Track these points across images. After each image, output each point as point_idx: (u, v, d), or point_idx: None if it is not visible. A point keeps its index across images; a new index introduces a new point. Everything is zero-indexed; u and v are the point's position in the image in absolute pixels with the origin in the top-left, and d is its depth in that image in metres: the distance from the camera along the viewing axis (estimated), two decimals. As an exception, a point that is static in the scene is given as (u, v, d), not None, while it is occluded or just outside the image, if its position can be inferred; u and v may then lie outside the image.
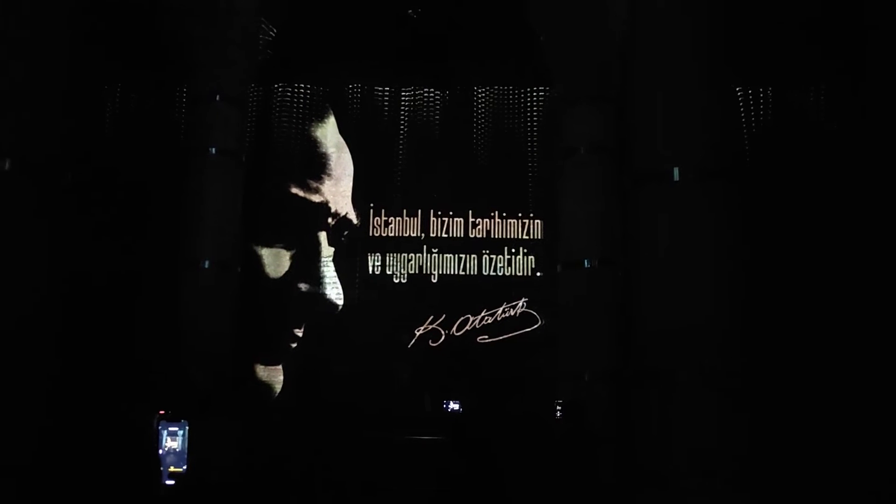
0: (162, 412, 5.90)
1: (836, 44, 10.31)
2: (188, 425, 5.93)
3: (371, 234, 12.75)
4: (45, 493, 5.53)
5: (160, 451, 5.77)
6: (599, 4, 10.02)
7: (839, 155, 10.52)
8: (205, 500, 6.01)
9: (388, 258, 12.71)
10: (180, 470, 5.84)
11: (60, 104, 6.42)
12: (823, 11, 10.10)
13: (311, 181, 12.69)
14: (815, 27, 10.26)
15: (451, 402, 11.36)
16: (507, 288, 12.63)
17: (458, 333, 12.43)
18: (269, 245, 12.57)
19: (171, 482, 5.81)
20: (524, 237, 12.82)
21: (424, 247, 12.75)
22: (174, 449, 5.84)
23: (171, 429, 5.90)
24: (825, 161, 10.68)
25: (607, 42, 10.07)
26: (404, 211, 12.82)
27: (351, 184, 12.75)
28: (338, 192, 12.73)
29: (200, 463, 6.08)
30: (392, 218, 12.82)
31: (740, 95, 11.60)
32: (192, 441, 6.01)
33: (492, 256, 12.76)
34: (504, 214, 12.85)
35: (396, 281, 12.66)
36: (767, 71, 11.24)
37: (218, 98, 10.38)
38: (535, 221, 12.82)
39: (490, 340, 12.42)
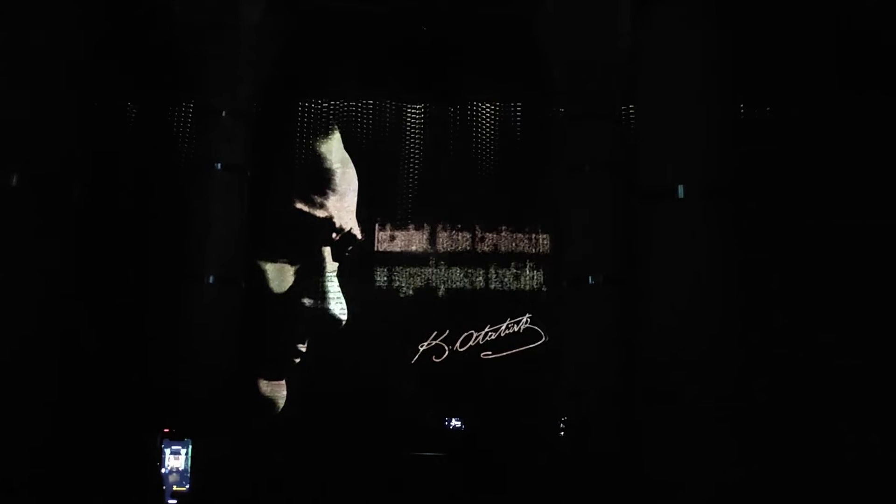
0: (166, 430, 5.87)
1: (837, 63, 10.37)
2: (191, 444, 5.88)
3: (377, 248, 12.71)
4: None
5: (163, 470, 5.73)
6: (606, 22, 10.04)
7: (842, 171, 10.54)
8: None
9: (393, 273, 12.68)
10: (183, 489, 5.79)
11: (68, 120, 6.45)
12: (825, 32, 10.16)
13: (316, 196, 12.68)
14: (817, 47, 10.31)
15: (454, 419, 11.30)
16: (510, 304, 12.55)
17: (462, 349, 12.37)
18: (274, 260, 12.55)
19: (174, 501, 5.77)
20: (531, 251, 12.77)
21: (431, 261, 12.72)
22: (177, 468, 5.79)
23: (174, 447, 5.85)
24: (829, 178, 10.69)
25: (614, 59, 10.09)
26: (411, 225, 12.80)
27: (356, 199, 12.72)
28: (342, 207, 12.72)
29: (203, 480, 6.04)
30: (398, 232, 12.80)
31: (743, 113, 11.62)
32: (195, 458, 5.97)
33: (498, 271, 12.71)
34: (511, 229, 12.80)
35: (402, 295, 12.61)
36: (769, 90, 11.26)
37: (224, 113, 10.43)
38: (542, 236, 12.77)
39: (494, 356, 12.36)
